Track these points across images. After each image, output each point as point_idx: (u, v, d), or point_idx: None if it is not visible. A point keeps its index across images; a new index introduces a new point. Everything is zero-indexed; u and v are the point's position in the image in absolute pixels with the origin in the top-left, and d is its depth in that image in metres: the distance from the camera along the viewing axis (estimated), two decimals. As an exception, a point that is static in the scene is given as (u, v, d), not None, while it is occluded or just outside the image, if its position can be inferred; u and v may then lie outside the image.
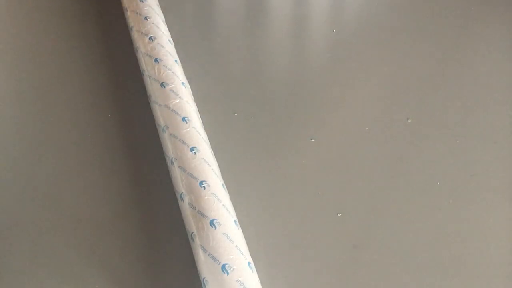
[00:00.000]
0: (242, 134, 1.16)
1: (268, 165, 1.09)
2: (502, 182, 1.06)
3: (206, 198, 0.89)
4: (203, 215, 0.86)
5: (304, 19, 1.52)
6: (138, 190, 1.04)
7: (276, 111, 1.21)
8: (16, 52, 1.40)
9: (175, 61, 1.19)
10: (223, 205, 0.89)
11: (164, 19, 1.35)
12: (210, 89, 1.26)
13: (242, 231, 0.90)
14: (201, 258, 0.83)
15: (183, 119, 1.03)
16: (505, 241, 0.96)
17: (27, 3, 1.56)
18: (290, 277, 0.91)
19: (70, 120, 1.19)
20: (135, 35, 1.27)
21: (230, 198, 0.94)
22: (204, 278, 0.82)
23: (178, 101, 1.07)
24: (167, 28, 1.32)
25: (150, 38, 1.22)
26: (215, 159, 1.01)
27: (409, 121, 1.18)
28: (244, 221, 0.94)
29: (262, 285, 0.83)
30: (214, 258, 0.81)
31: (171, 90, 1.09)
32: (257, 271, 0.84)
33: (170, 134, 1.01)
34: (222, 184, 0.95)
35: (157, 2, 1.40)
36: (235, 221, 0.89)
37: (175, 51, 1.25)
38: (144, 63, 1.18)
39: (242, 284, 0.79)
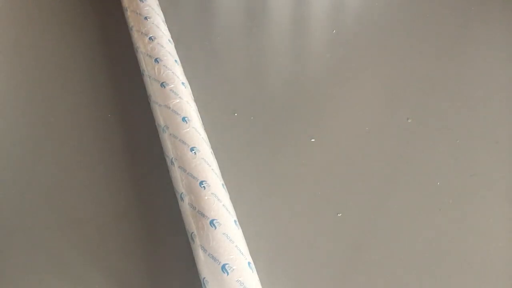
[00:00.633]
0: (242, 134, 1.16)
1: (268, 165, 1.09)
2: (502, 182, 1.06)
3: (206, 198, 0.89)
4: (203, 215, 0.86)
5: (304, 19, 1.52)
6: (138, 190, 1.04)
7: (276, 111, 1.21)
8: (16, 52, 1.40)
9: (175, 61, 1.19)
10: (223, 205, 0.89)
11: (164, 19, 1.35)
12: (210, 89, 1.26)
13: (242, 231, 0.90)
14: (201, 258, 0.83)
15: (183, 119, 1.03)
16: (505, 241, 0.96)
17: (27, 3, 1.56)
18: (290, 277, 0.91)
19: (70, 120, 1.19)
20: (135, 35, 1.27)
21: (230, 198, 0.94)
22: (204, 278, 0.82)
23: (178, 101, 1.07)
24: (167, 28, 1.32)
25: (150, 38, 1.22)
26: (215, 159, 1.01)
27: (409, 121, 1.18)
28: (244, 221, 0.94)
29: (262, 285, 0.83)
30: (214, 258, 0.81)
31: (171, 90, 1.09)
32: (257, 271, 0.85)
33: (170, 134, 1.01)
34: (222, 184, 0.95)
35: (157, 2, 1.40)
36: (235, 221, 0.89)
37: (175, 51, 1.25)
38: (144, 63, 1.18)
39: (242, 284, 0.79)
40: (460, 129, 1.17)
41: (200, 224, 0.86)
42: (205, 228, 0.85)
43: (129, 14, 1.34)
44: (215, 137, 1.10)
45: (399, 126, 1.17)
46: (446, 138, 1.14)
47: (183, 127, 1.01)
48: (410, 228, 0.98)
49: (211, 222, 0.85)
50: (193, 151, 0.97)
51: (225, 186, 0.96)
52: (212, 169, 0.95)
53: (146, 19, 1.28)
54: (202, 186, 0.91)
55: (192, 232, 0.86)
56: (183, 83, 1.13)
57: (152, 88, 1.12)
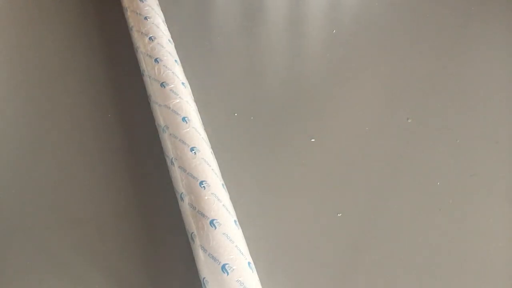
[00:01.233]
0: (242, 134, 1.16)
1: (268, 165, 1.09)
2: (502, 182, 1.06)
3: (206, 198, 0.89)
4: (203, 215, 0.86)
5: (304, 19, 1.52)
6: (138, 190, 1.04)
7: (276, 111, 1.21)
8: (16, 52, 1.40)
9: (175, 61, 1.19)
10: (223, 205, 0.89)
11: (164, 19, 1.35)
12: (210, 89, 1.26)
13: (242, 231, 0.90)
14: (201, 258, 0.83)
15: (183, 119, 1.03)
16: (505, 241, 0.96)
17: (27, 3, 1.56)
18: (290, 277, 0.91)
19: (70, 120, 1.19)
20: (135, 35, 1.27)
21: (230, 198, 0.94)
22: (204, 278, 0.82)
23: (178, 101, 1.07)
24: (167, 28, 1.32)
25: (150, 38, 1.22)
26: (215, 159, 1.01)
27: (409, 121, 1.18)
28: (244, 221, 0.94)
29: (262, 285, 0.83)
30: (214, 258, 0.81)
31: (171, 90, 1.09)
32: (257, 271, 0.84)
33: (170, 134, 1.01)
34: (222, 184, 0.95)
35: (157, 2, 1.40)
36: (235, 221, 0.89)
37: (175, 51, 1.25)
38: (144, 63, 1.18)
39: (242, 284, 0.79)
40: (460, 129, 1.17)
41: (200, 224, 0.86)
42: (205, 228, 0.85)
43: (129, 14, 1.34)
44: (215, 137, 1.10)
45: (399, 126, 1.17)
46: (446, 138, 1.14)
47: (183, 127, 1.01)
48: (410, 228, 0.98)
49: (211, 222, 0.85)
50: (193, 151, 0.97)
51: (225, 186, 0.96)
52: (212, 169, 0.95)
53: (146, 19, 1.28)
54: (202, 186, 0.91)
55: (192, 232, 0.86)
56: (183, 83, 1.13)
57: (152, 88, 1.12)
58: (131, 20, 1.31)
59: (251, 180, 1.06)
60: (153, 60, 1.16)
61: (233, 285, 0.79)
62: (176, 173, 0.95)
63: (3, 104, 1.25)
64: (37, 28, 1.47)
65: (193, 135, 1.00)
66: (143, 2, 1.34)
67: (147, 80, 1.16)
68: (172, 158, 0.98)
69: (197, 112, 1.11)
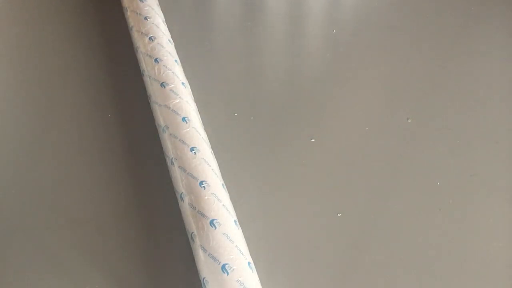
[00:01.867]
0: (242, 134, 1.16)
1: (268, 165, 1.09)
2: (502, 182, 1.06)
3: (206, 198, 0.89)
4: (203, 215, 0.86)
5: (304, 19, 1.52)
6: (138, 190, 1.04)
7: (276, 111, 1.21)
8: (16, 52, 1.40)
9: (175, 61, 1.19)
10: (223, 205, 0.89)
11: (164, 19, 1.35)
12: (210, 89, 1.26)
13: (242, 231, 0.90)
14: (201, 258, 0.83)
15: (183, 119, 1.03)
16: (505, 241, 0.96)
17: (27, 3, 1.56)
18: (290, 277, 0.91)
19: (70, 120, 1.19)
20: (135, 35, 1.27)
21: (230, 198, 0.94)
22: (204, 278, 0.82)
23: (178, 101, 1.07)
24: (167, 28, 1.32)
25: (150, 38, 1.22)
26: (215, 159, 1.01)
27: (409, 121, 1.18)
28: (244, 221, 0.94)
29: (262, 285, 0.83)
30: (214, 258, 0.81)
31: (171, 90, 1.09)
32: (257, 271, 0.84)
33: (170, 134, 1.01)
34: (222, 184, 0.95)
35: (157, 2, 1.40)
36: (235, 221, 0.89)
37: (175, 51, 1.25)
38: (144, 63, 1.18)
39: (242, 284, 0.79)
40: (460, 129, 1.17)
41: (200, 224, 0.86)
42: (205, 228, 0.85)
43: (129, 14, 1.34)
44: (215, 137, 1.10)
45: (399, 126, 1.17)
46: (446, 138, 1.14)
47: (183, 127, 1.01)
48: (410, 228, 0.98)
49: (211, 222, 0.85)
50: (193, 151, 0.97)
51: (225, 186, 0.96)
52: (212, 169, 0.95)
53: (146, 19, 1.28)
54: (202, 186, 0.91)
55: (192, 232, 0.86)
56: (183, 83, 1.13)
57: (152, 88, 1.12)
58: (131, 20, 1.31)
59: (251, 180, 1.06)
60: (153, 60, 1.16)
61: (233, 285, 0.79)
62: (176, 173, 0.95)
63: (3, 104, 1.25)
64: (37, 28, 1.47)
65: (193, 135, 1.00)
66: (143, 2, 1.34)
67: (147, 80, 1.16)
68: (172, 158, 0.98)
69: (197, 112, 1.11)
